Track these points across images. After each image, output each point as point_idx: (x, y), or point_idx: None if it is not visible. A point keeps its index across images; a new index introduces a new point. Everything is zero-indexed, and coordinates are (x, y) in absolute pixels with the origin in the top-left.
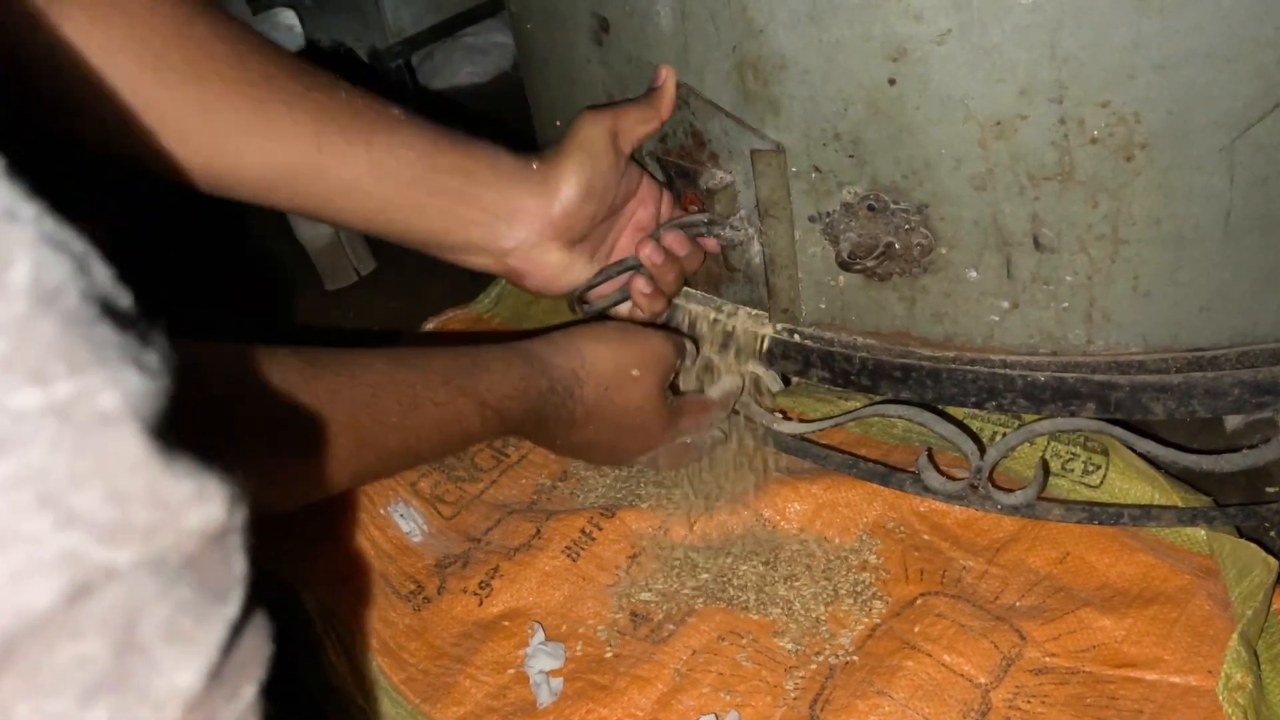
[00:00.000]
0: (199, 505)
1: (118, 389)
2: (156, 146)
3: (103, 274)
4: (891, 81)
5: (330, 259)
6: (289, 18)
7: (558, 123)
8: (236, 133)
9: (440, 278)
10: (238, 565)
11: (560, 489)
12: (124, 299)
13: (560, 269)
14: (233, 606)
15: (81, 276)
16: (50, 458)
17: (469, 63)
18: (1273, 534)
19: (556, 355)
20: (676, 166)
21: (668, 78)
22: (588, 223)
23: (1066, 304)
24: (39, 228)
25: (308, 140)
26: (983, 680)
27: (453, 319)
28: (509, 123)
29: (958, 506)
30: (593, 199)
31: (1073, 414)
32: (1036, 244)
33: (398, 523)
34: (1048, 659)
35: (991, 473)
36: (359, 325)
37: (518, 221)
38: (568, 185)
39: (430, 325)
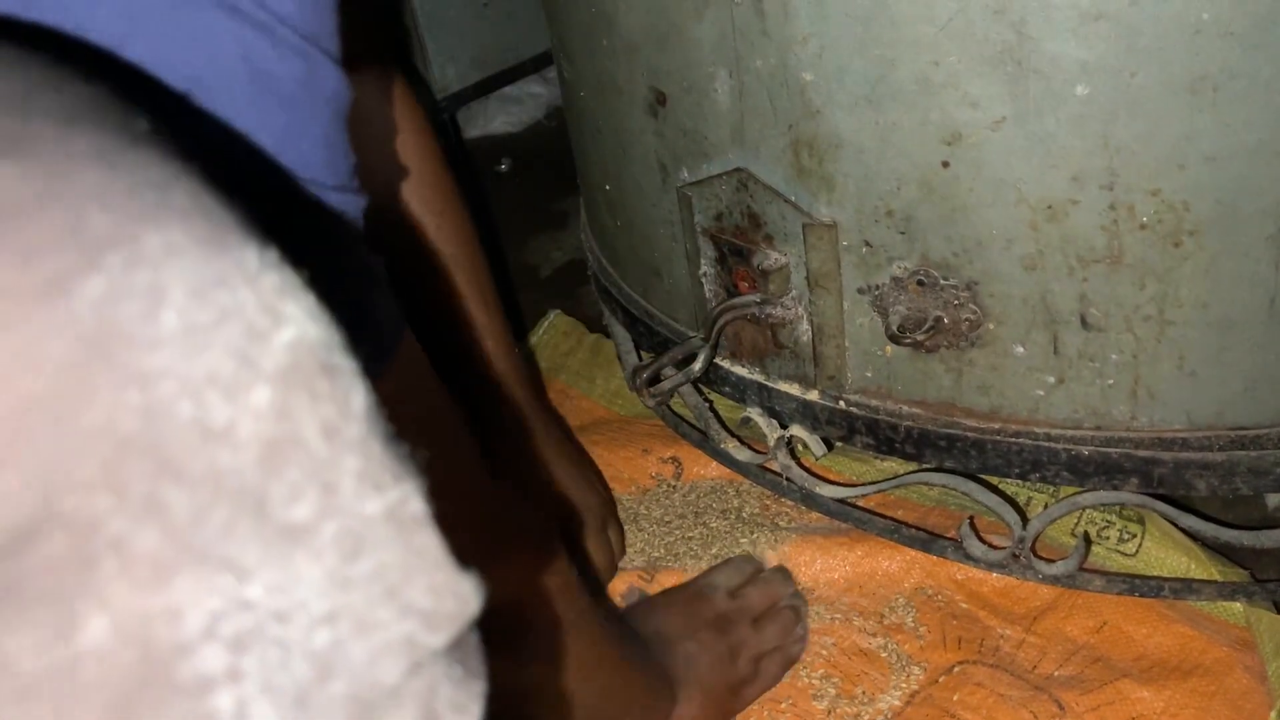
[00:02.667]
0: (478, 597)
1: (420, 494)
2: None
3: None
4: (945, 164)
5: None
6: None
7: (607, 187)
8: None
9: None
10: (480, 645)
11: None
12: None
13: None
14: (485, 682)
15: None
16: (391, 557)
17: (503, 112)
18: None
19: None
20: (730, 245)
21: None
22: None
23: (1112, 381)
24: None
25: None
26: None
27: None
28: (540, 169)
29: (995, 574)
30: None
31: (1116, 488)
32: (1084, 323)
33: None
34: None
35: (1034, 542)
36: None
37: None
38: None
39: None
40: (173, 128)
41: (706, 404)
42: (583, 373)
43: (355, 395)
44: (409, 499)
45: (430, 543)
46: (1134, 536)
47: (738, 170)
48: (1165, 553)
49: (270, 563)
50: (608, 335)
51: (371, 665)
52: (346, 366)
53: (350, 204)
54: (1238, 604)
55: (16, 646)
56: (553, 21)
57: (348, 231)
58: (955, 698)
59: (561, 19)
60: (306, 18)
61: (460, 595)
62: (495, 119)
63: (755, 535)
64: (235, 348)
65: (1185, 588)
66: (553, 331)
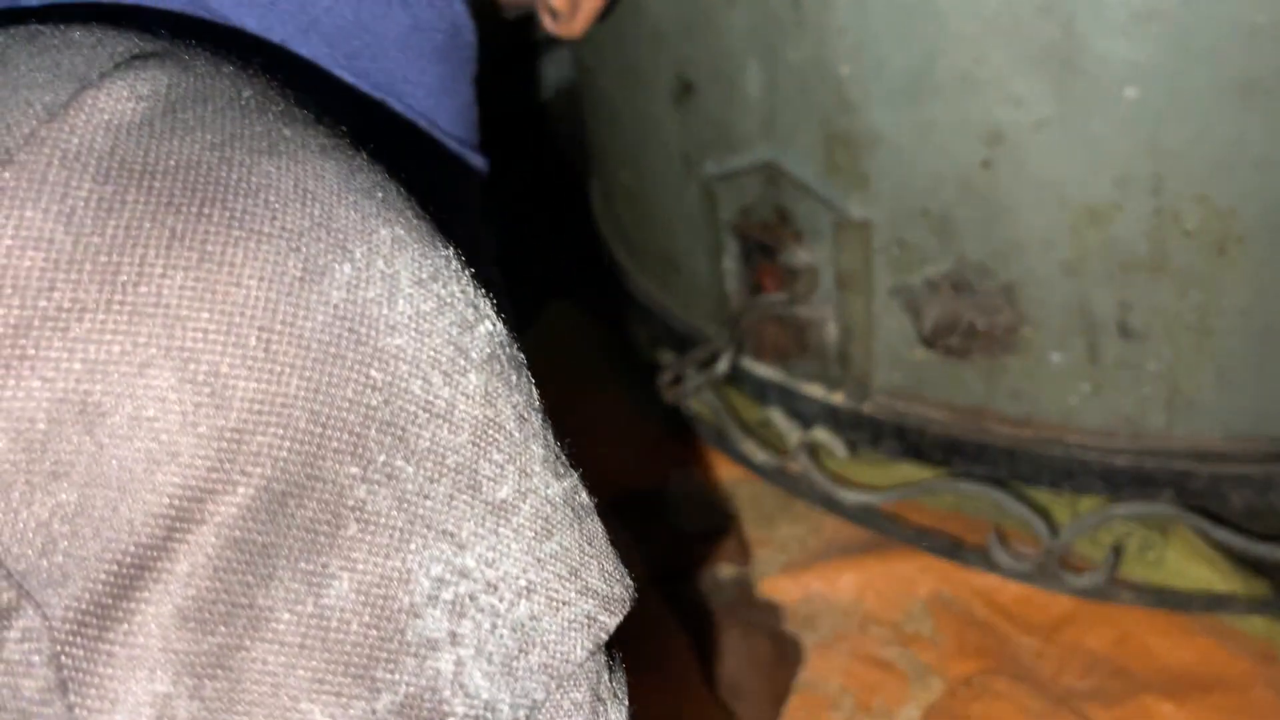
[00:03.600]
0: (632, 583)
1: (585, 485)
2: None
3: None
4: (986, 164)
5: None
6: None
7: (624, 177)
8: None
9: None
10: None
11: None
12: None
13: None
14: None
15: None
16: (571, 540)
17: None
18: None
19: None
20: (757, 241)
21: None
22: None
23: (1149, 390)
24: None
25: None
26: None
27: None
28: (554, 153)
29: (1014, 582)
30: None
31: (1149, 500)
32: (1123, 330)
33: None
34: None
35: (1062, 555)
36: None
37: None
38: None
39: None
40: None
41: (724, 402)
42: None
43: (534, 388)
44: (579, 488)
45: (599, 531)
46: (1155, 546)
47: (767, 164)
48: (1187, 563)
49: (483, 535)
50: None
51: (562, 639)
52: (524, 360)
53: (483, 164)
54: (1259, 618)
55: (273, 600)
56: None
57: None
58: (975, 710)
59: None
60: None
61: (625, 583)
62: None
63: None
64: (452, 335)
65: (1215, 602)
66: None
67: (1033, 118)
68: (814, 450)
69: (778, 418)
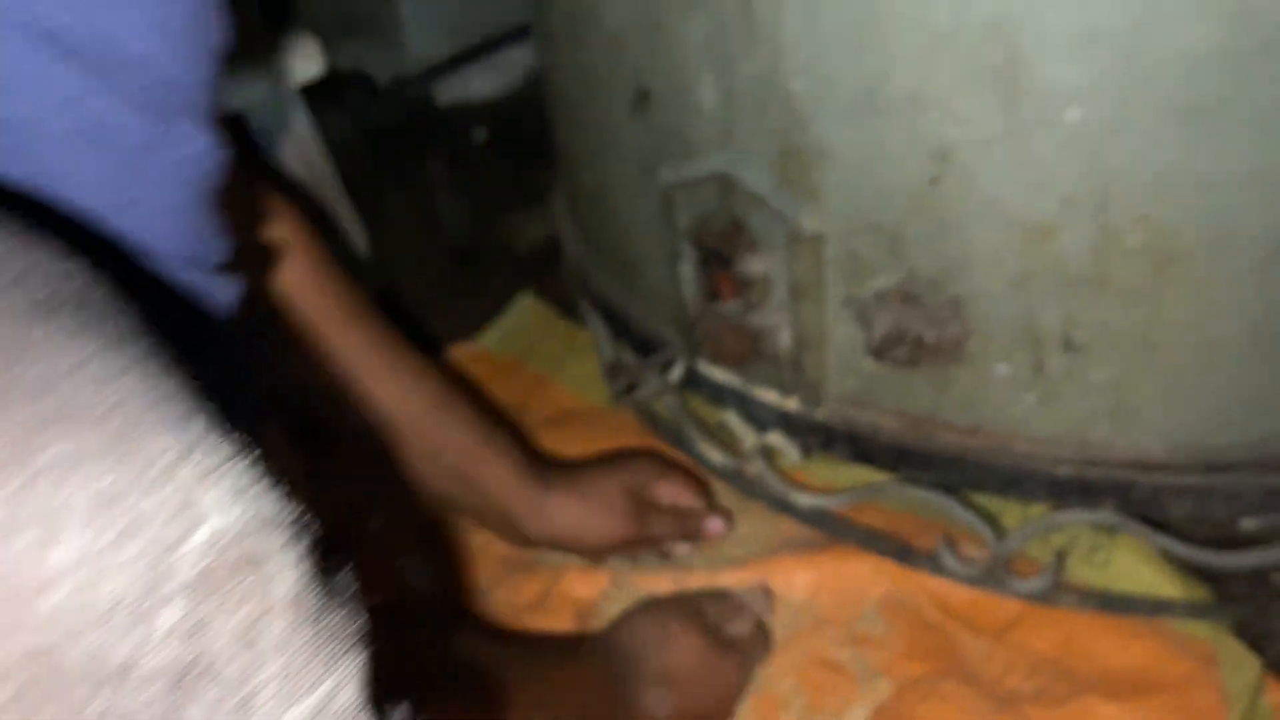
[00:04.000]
0: None
1: (356, 676)
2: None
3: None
4: (934, 181)
5: None
6: (309, 45)
7: (585, 179)
8: (356, 371)
9: (448, 310)
10: None
11: None
12: (344, 577)
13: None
14: None
15: (311, 563)
16: None
17: (481, 76)
18: (1276, 623)
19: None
20: (713, 249)
21: (714, 525)
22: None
23: (1094, 402)
24: (292, 534)
25: (398, 402)
26: None
27: (458, 355)
28: (518, 139)
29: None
30: (589, 534)
31: (1093, 508)
32: (1068, 344)
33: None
34: None
35: (1009, 560)
36: None
37: (518, 528)
38: (561, 518)
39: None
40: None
41: (682, 404)
42: (554, 360)
43: (282, 580)
44: (340, 689)
45: None
46: (1103, 547)
47: (722, 174)
48: (1135, 565)
49: None
50: (581, 321)
51: None
52: (275, 545)
53: (217, 287)
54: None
55: None
56: (537, 7)
57: (206, 320)
58: (920, 712)
59: (547, 6)
60: (167, 65)
61: None
62: (472, 83)
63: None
64: (140, 569)
65: (1158, 606)
66: (523, 316)
67: (979, 137)
68: (769, 453)
69: (734, 421)
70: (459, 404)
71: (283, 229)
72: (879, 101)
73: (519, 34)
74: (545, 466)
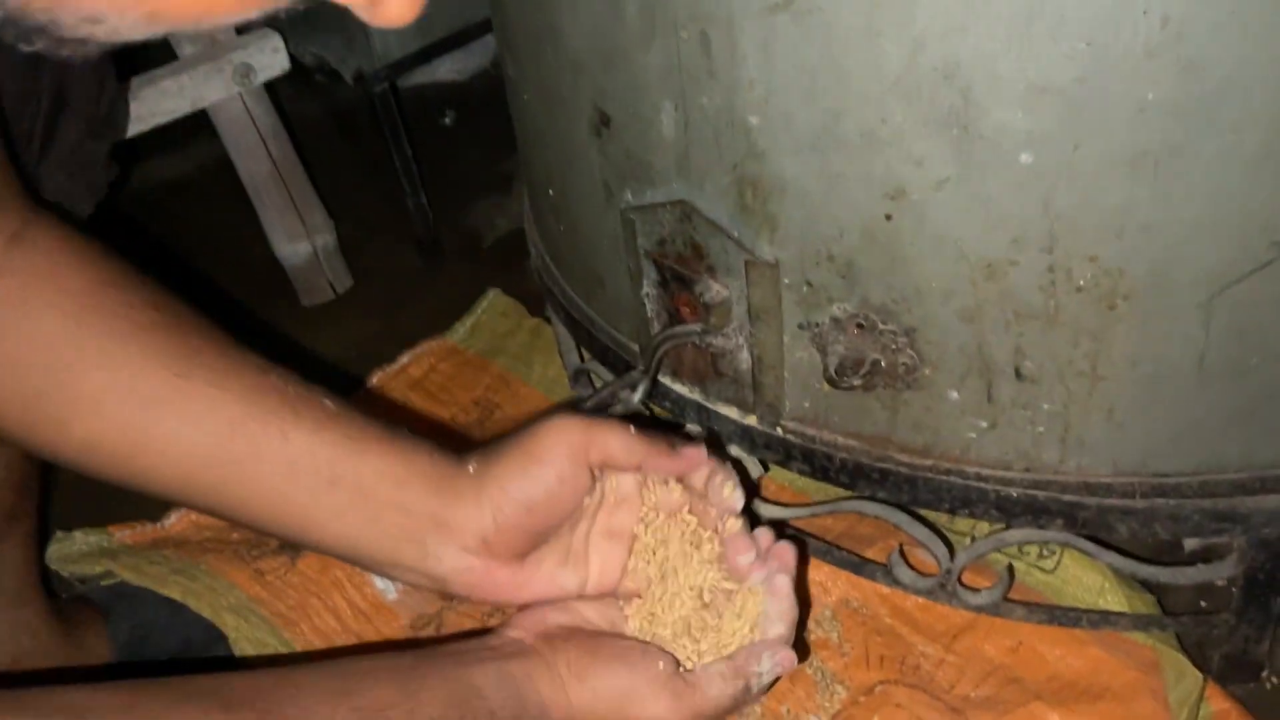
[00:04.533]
0: None
1: None
2: (69, 417)
3: None
4: (888, 217)
5: (307, 275)
6: (274, 40)
7: (551, 192)
8: (152, 406)
9: (416, 302)
10: None
11: None
12: None
13: (515, 586)
14: None
15: None
16: None
17: (449, 59)
18: (1218, 634)
19: (508, 685)
20: (673, 271)
21: (697, 458)
22: (532, 539)
23: (1043, 428)
24: None
25: (222, 425)
26: None
27: (426, 350)
28: (487, 123)
29: None
30: (538, 514)
31: (1041, 528)
32: (1018, 374)
33: (373, 580)
34: None
35: (960, 574)
36: (333, 343)
37: (446, 538)
38: (506, 499)
39: (405, 358)
40: None
41: (648, 413)
42: (521, 357)
43: None
44: None
45: None
46: (1054, 554)
47: (681, 202)
48: (1083, 572)
49: None
50: (549, 319)
51: None
52: None
53: None
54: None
55: None
56: (499, 19)
57: None
58: (875, 719)
59: (509, 22)
60: None
61: None
62: (440, 66)
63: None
64: None
65: (1103, 619)
66: (491, 311)
67: (933, 177)
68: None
69: (695, 432)
70: (345, 415)
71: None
72: (834, 139)
73: (487, 26)
74: (466, 459)
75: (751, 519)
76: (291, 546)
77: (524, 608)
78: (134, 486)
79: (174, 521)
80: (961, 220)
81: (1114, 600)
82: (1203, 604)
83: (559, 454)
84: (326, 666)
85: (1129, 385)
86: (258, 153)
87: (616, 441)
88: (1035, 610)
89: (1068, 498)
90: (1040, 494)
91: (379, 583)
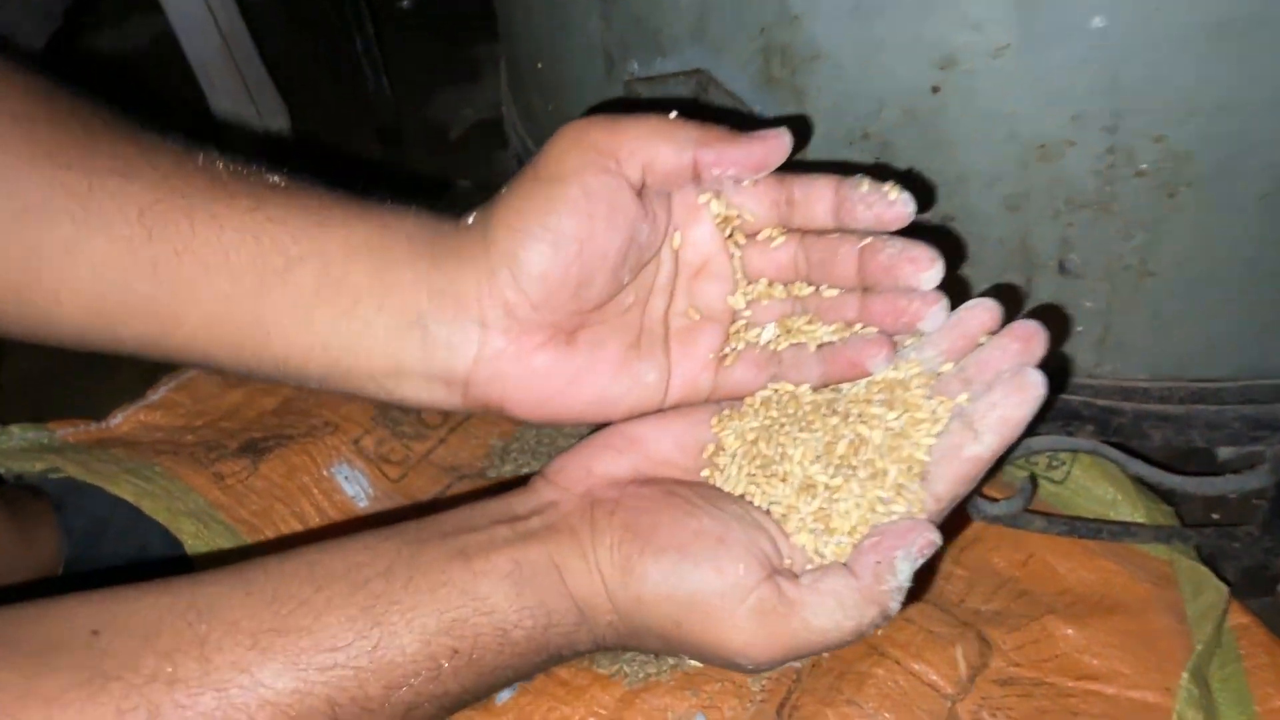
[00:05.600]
0: None
1: None
2: None
3: None
4: (935, 90)
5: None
6: None
7: (539, 66)
8: (37, 213)
9: (378, 195)
10: None
11: (514, 452)
12: None
13: (569, 377)
14: None
15: None
16: None
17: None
18: (1237, 546)
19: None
20: None
21: (776, 140)
22: (574, 297)
23: (1081, 328)
24: None
25: (131, 220)
26: (949, 691)
27: None
28: (446, 5)
29: None
30: (569, 254)
31: (1070, 434)
32: (1061, 268)
33: (342, 485)
34: (1012, 669)
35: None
36: None
37: (454, 314)
38: (522, 241)
39: None
40: None
41: None
42: None
43: None
44: None
45: None
46: (1063, 464)
47: (697, 71)
48: (1093, 482)
49: None
50: None
51: None
52: None
53: None
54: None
55: None
56: None
57: None
58: (882, 633)
59: None
60: None
61: None
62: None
63: None
64: None
65: (1124, 531)
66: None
67: (990, 44)
68: None
69: None
70: (296, 188)
71: None
72: (880, 1)
73: None
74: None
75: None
76: (253, 449)
77: (569, 456)
78: (36, 328)
79: (120, 421)
80: (1017, 94)
81: (1125, 511)
82: (1215, 516)
83: (578, 163)
84: (263, 568)
85: (1177, 283)
86: (205, 26)
87: (653, 131)
88: (1055, 522)
89: (1101, 402)
90: (1073, 398)
91: (348, 488)
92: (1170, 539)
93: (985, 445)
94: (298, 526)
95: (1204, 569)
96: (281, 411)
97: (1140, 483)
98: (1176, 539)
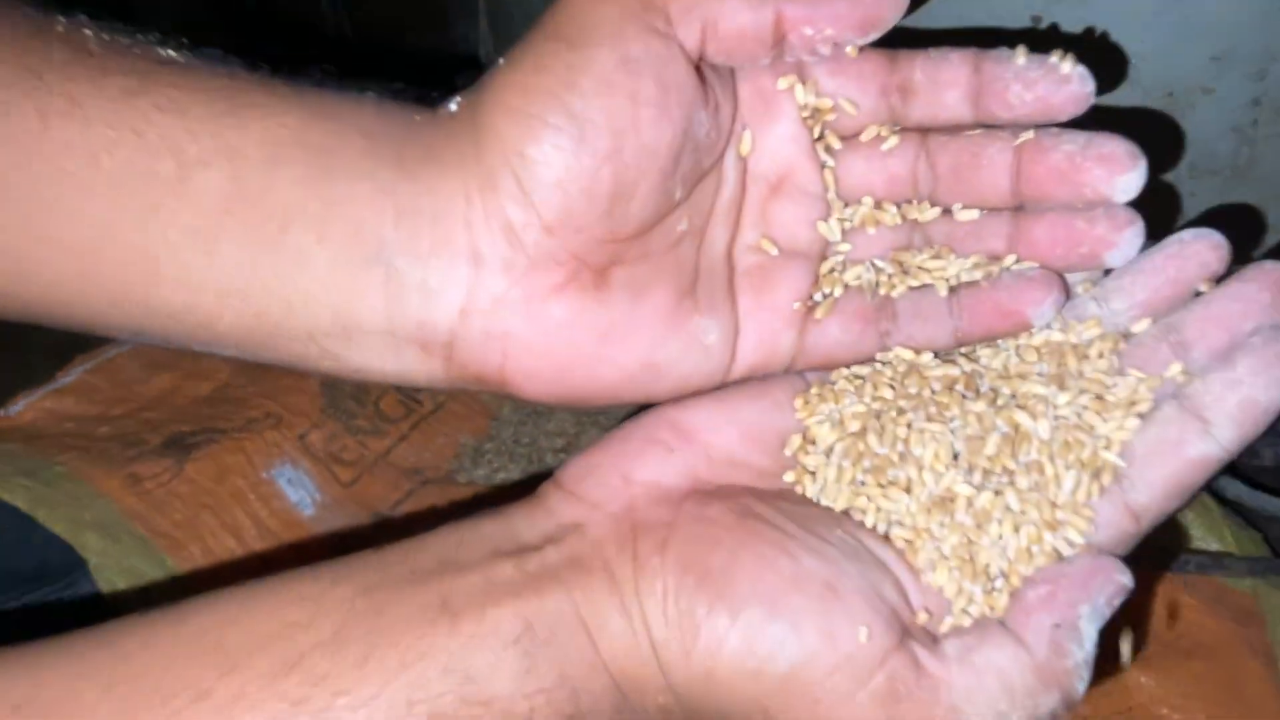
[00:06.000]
0: None
1: None
2: None
3: None
4: (1036, 19)
5: None
6: None
7: None
8: None
9: None
10: None
11: (489, 453)
12: None
13: (591, 340)
14: None
15: None
16: None
17: None
18: None
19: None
20: None
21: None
22: (606, 225)
23: None
24: None
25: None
26: None
27: None
28: None
29: None
30: (616, 168)
31: None
32: None
33: (284, 490)
34: None
35: None
36: None
37: (431, 245)
38: (541, 144)
39: None
40: None
41: None
42: None
43: None
44: None
45: None
46: None
47: None
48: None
49: None
50: None
51: None
52: None
53: None
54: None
55: None
56: None
57: None
58: None
59: None
60: None
61: None
62: None
63: None
64: None
65: (1212, 563)
66: None
67: None
68: None
69: None
70: (199, 66)
71: None
72: None
73: None
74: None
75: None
76: (179, 445)
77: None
78: None
79: (22, 409)
80: (1140, 27)
81: (1200, 538)
82: None
83: (614, 18)
84: (144, 633)
85: None
86: None
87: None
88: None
89: None
90: None
91: (291, 493)
92: (1265, 572)
93: (1220, 441)
94: (229, 541)
95: None
96: (215, 400)
97: (1225, 505)
98: (1272, 572)
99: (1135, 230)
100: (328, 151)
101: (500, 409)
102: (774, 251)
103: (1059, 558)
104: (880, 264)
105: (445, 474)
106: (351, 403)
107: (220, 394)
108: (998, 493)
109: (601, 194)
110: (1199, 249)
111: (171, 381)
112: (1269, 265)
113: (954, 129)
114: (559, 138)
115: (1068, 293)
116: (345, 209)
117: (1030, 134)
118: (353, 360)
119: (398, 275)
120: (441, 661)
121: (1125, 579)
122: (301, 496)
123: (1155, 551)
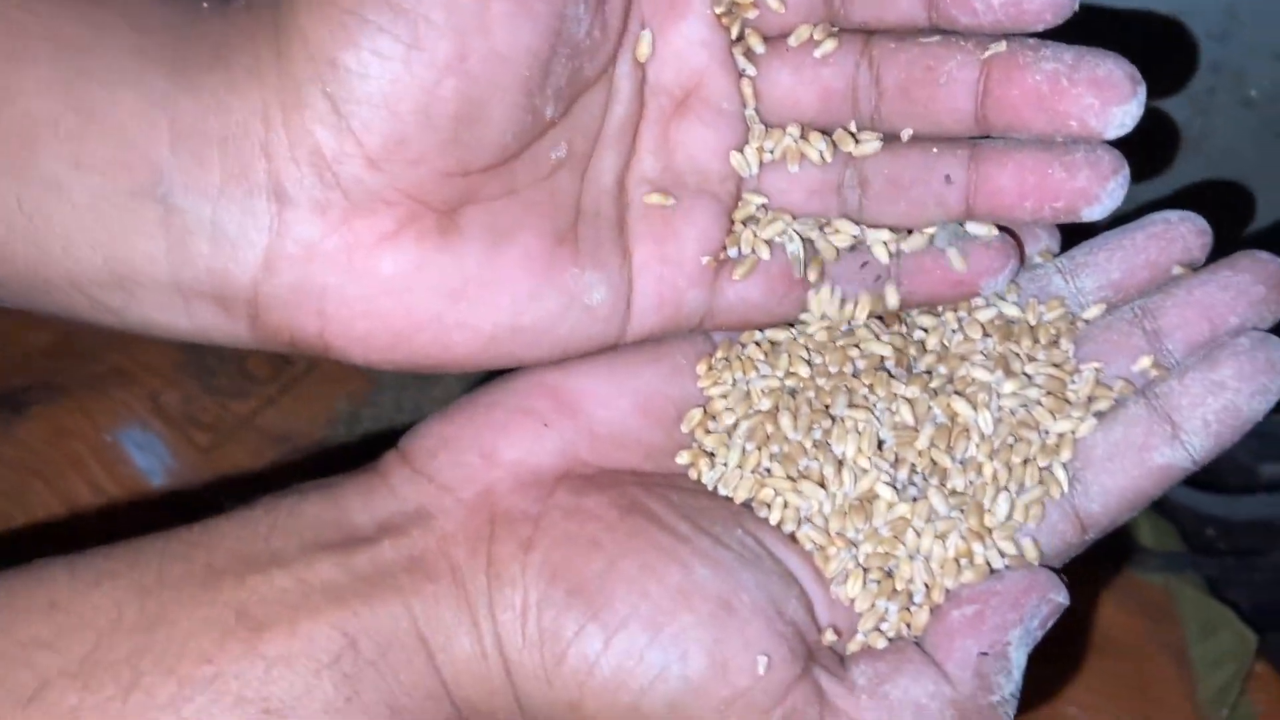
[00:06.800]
0: None
1: None
2: None
3: None
4: None
5: None
6: None
7: None
8: None
9: None
10: None
11: (365, 420)
12: None
13: (437, 300)
14: None
15: None
16: None
17: None
18: (1256, 577)
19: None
20: None
21: None
22: (462, 153)
23: None
24: None
25: None
26: None
27: None
28: None
29: None
30: (461, 78)
31: None
32: None
33: (131, 455)
34: None
35: None
36: None
37: (231, 182)
38: (360, 47)
39: None
40: None
41: None
42: None
43: None
44: None
45: None
46: None
47: None
48: None
49: None
50: None
51: None
52: None
53: None
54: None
55: None
56: None
57: None
58: None
59: None
60: None
61: None
62: None
63: None
64: None
65: (1126, 557)
66: None
67: None
68: None
69: None
70: None
71: None
72: None
73: None
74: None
75: None
76: (10, 403)
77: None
78: None
79: None
80: None
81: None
82: (1209, 533)
83: None
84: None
85: None
86: None
87: None
88: None
89: None
90: None
91: (140, 458)
92: (1183, 567)
93: (1191, 450)
94: (61, 511)
95: (1223, 607)
96: (56, 352)
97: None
98: (1189, 568)
99: (1121, 180)
100: (85, 49)
101: (380, 371)
102: (669, 203)
103: (989, 571)
104: (801, 229)
105: (315, 441)
106: (212, 359)
107: (62, 345)
108: (927, 494)
109: (443, 115)
110: (1184, 232)
111: (6, 329)
112: (1264, 255)
113: (905, 35)
114: (383, 41)
115: (1024, 259)
116: (107, 124)
117: (1002, 45)
118: (133, 316)
119: (179, 213)
120: (233, 690)
121: (1061, 598)
122: (151, 463)
123: None
